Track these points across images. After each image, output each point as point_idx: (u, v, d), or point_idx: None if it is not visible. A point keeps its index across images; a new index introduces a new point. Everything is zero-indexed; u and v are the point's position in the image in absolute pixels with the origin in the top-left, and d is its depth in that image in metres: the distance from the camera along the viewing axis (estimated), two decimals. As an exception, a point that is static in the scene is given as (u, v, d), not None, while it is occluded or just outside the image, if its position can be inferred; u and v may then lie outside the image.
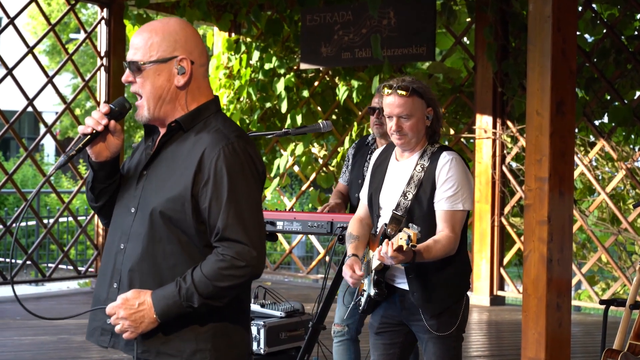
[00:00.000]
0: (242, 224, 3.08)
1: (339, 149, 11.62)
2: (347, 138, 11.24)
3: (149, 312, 3.07)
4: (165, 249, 3.14)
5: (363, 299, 4.54)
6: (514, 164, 10.82)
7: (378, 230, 4.51)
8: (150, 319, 3.08)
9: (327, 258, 12.48)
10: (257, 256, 3.09)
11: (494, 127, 10.48)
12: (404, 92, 4.41)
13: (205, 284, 3.05)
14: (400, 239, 4.07)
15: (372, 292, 4.44)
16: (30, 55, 11.03)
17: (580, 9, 9.84)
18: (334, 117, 11.91)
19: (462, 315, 4.49)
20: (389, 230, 4.30)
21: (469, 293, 4.66)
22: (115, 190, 3.34)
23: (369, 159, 5.94)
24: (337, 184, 6.39)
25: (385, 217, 4.50)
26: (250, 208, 3.11)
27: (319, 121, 6.50)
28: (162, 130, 3.26)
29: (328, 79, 11.95)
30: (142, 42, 3.18)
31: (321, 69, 11.70)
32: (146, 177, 3.24)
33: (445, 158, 4.41)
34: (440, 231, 4.36)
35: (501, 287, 10.80)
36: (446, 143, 10.93)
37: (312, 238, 12.89)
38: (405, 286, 4.46)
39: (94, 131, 3.17)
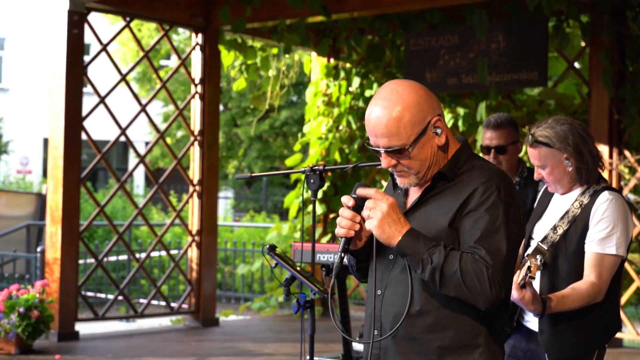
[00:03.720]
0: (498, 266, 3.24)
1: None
2: (452, 168, 11.15)
3: (401, 228, 3.25)
4: (429, 290, 3.30)
5: None
6: (631, 196, 10.62)
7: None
8: (395, 232, 3.25)
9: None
10: (494, 298, 3.21)
11: (610, 156, 10.30)
12: (530, 144, 4.40)
13: (454, 272, 3.19)
14: (523, 269, 4.03)
15: None
16: (120, 83, 11.17)
17: None
18: (438, 146, 11.84)
19: None
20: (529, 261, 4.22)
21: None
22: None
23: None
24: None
25: (532, 248, 4.43)
26: (509, 252, 3.27)
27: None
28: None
29: (432, 106, 11.89)
30: (391, 128, 3.31)
31: (425, 95, 11.65)
32: None
33: (604, 197, 4.32)
34: (585, 277, 4.26)
35: (619, 328, 10.54)
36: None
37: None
38: (533, 326, 4.39)
39: (352, 235, 3.37)
